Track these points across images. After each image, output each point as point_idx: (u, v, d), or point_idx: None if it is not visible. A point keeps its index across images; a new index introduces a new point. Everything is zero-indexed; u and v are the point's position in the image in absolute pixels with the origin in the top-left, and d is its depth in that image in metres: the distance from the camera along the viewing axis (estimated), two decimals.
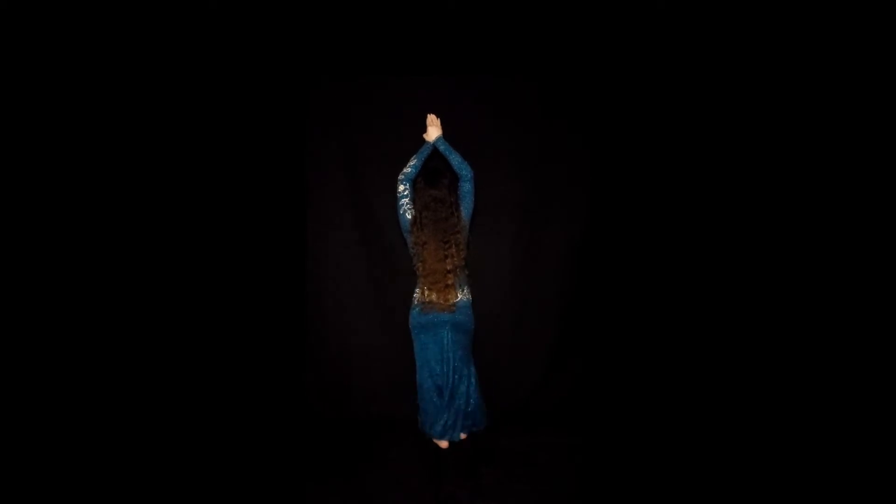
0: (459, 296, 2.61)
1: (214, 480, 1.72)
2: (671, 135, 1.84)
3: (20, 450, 1.63)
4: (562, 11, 2.08)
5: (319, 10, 1.97)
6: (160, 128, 1.76)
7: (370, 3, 2.09)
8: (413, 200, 2.62)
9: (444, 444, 2.80)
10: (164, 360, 1.71)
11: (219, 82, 1.80)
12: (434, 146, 2.64)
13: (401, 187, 2.63)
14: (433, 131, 2.67)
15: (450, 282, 2.58)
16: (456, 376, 2.64)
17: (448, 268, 2.57)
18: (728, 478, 1.69)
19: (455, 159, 2.64)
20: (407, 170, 2.63)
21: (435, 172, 2.66)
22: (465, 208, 2.65)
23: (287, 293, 1.82)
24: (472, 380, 2.67)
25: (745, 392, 1.71)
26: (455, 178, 2.66)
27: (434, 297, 2.60)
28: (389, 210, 3.17)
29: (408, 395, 3.30)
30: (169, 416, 1.71)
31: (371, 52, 2.18)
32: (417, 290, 2.65)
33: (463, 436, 2.72)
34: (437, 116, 2.89)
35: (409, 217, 2.63)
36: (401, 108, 3.11)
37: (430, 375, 2.64)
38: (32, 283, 1.66)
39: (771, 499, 1.66)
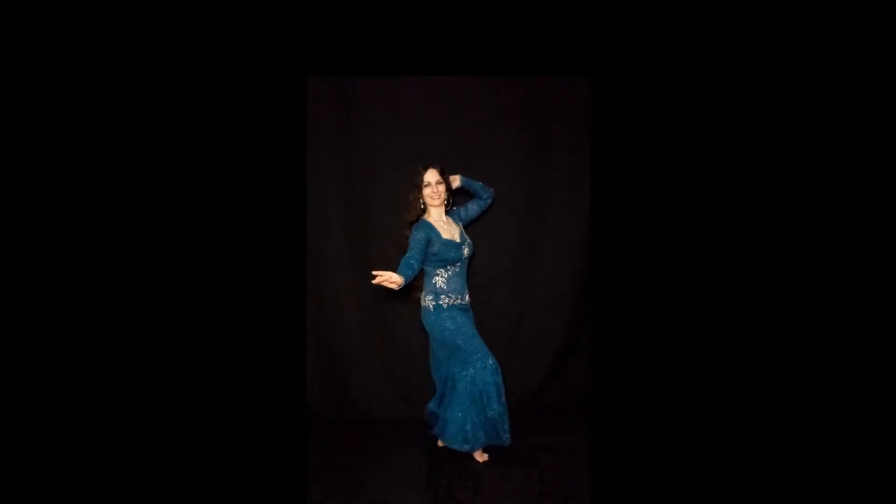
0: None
1: (214, 480, 1.72)
2: (672, 135, 1.84)
3: (20, 449, 1.63)
4: (561, 11, 2.09)
5: (320, 9, 1.97)
6: (159, 127, 1.76)
7: (370, 2, 2.09)
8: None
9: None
10: (162, 361, 1.71)
11: (217, 82, 1.80)
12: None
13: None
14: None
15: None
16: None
17: None
18: (730, 479, 1.69)
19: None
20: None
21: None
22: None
23: (287, 293, 1.82)
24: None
25: (748, 394, 1.70)
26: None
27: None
28: (389, 209, 3.18)
29: (408, 396, 3.31)
30: (168, 416, 1.71)
31: (371, 52, 2.19)
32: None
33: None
34: (437, 118, 3.00)
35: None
36: (401, 108, 3.11)
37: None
38: (29, 281, 1.66)
39: (773, 498, 1.66)
